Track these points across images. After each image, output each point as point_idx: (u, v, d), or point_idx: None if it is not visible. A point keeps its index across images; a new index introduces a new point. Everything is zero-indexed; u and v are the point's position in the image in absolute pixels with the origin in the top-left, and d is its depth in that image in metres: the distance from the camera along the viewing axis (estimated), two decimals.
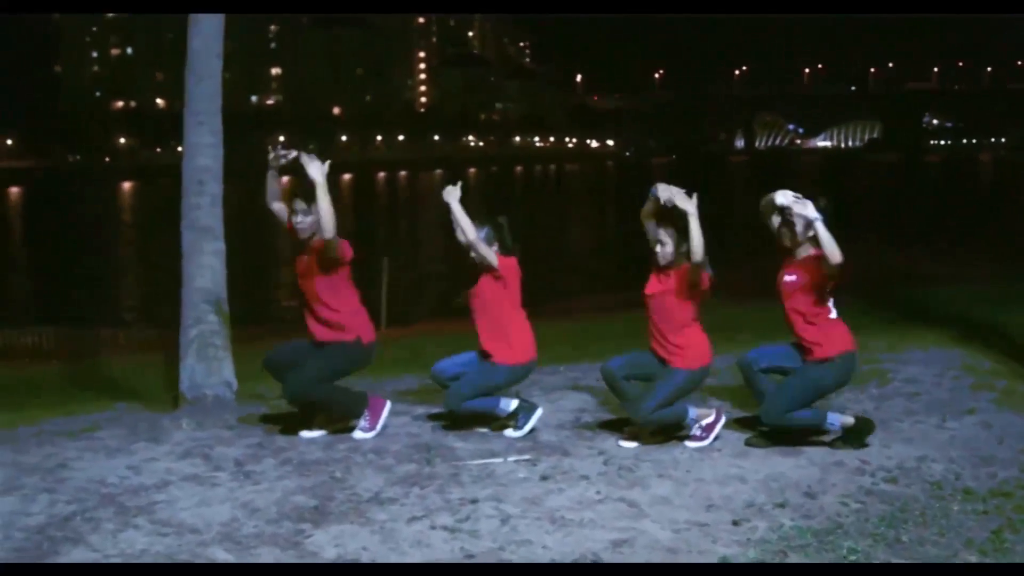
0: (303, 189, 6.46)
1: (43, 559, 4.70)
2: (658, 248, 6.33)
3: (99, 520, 5.19)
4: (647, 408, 6.24)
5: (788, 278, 6.22)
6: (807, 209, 5.97)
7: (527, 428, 6.66)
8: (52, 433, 7.00)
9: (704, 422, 6.41)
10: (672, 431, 6.45)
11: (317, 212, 6.36)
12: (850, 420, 6.27)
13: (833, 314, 6.24)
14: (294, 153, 6.53)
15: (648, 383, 6.41)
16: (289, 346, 6.88)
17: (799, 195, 6.11)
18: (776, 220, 6.31)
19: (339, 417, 6.73)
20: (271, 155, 6.59)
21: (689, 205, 6.14)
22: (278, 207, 6.77)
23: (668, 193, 6.21)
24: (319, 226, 6.41)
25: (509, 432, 6.67)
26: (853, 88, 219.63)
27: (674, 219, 6.29)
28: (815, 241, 6.00)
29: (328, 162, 6.38)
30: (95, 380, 10.43)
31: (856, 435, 6.23)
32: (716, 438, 6.39)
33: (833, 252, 5.88)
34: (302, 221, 6.55)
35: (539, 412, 6.74)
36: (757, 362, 6.36)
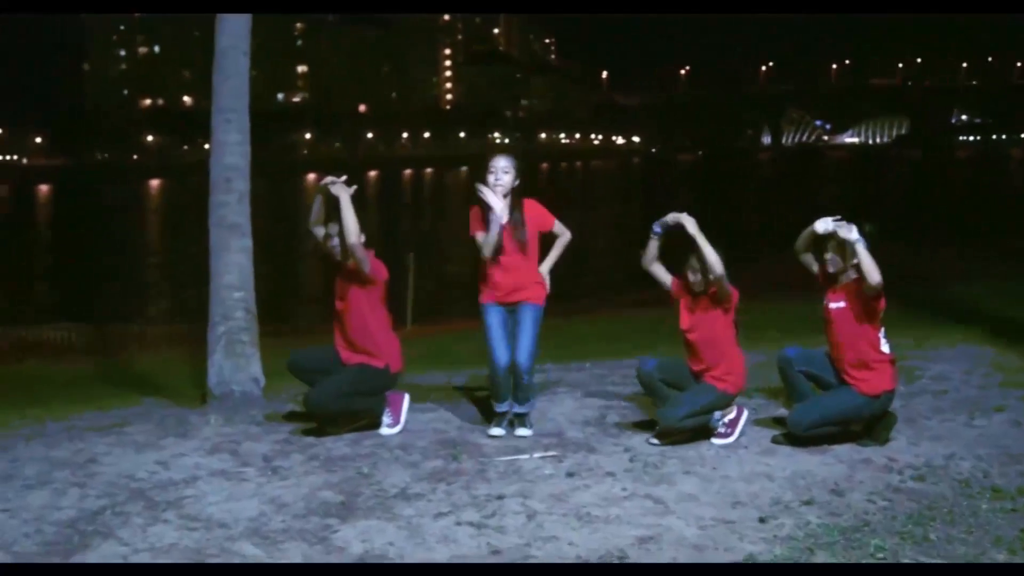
0: (336, 212, 6.54)
1: (73, 553, 4.75)
2: (690, 275, 6.34)
3: (128, 514, 5.23)
4: (676, 415, 6.24)
5: (835, 305, 6.20)
6: (851, 232, 5.97)
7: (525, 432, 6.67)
8: (82, 428, 7.06)
9: (727, 418, 6.41)
10: (698, 430, 6.45)
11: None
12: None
13: (886, 348, 6.24)
14: (344, 177, 6.60)
15: (679, 390, 6.45)
16: (315, 352, 6.91)
17: (839, 217, 6.10)
18: (807, 258, 6.35)
19: (362, 416, 6.77)
20: (323, 181, 6.64)
21: (692, 227, 6.20)
22: (320, 231, 6.82)
23: (675, 218, 6.29)
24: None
25: (494, 431, 6.67)
26: (881, 84, 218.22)
27: (682, 243, 6.35)
28: (858, 266, 6.02)
29: (354, 187, 6.51)
30: (124, 376, 10.52)
31: (881, 429, 6.22)
32: (741, 434, 6.39)
33: (872, 273, 5.91)
34: (337, 244, 6.63)
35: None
36: (796, 363, 6.35)
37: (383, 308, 6.74)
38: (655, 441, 6.35)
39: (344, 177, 6.59)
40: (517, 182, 6.56)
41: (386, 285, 6.72)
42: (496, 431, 6.62)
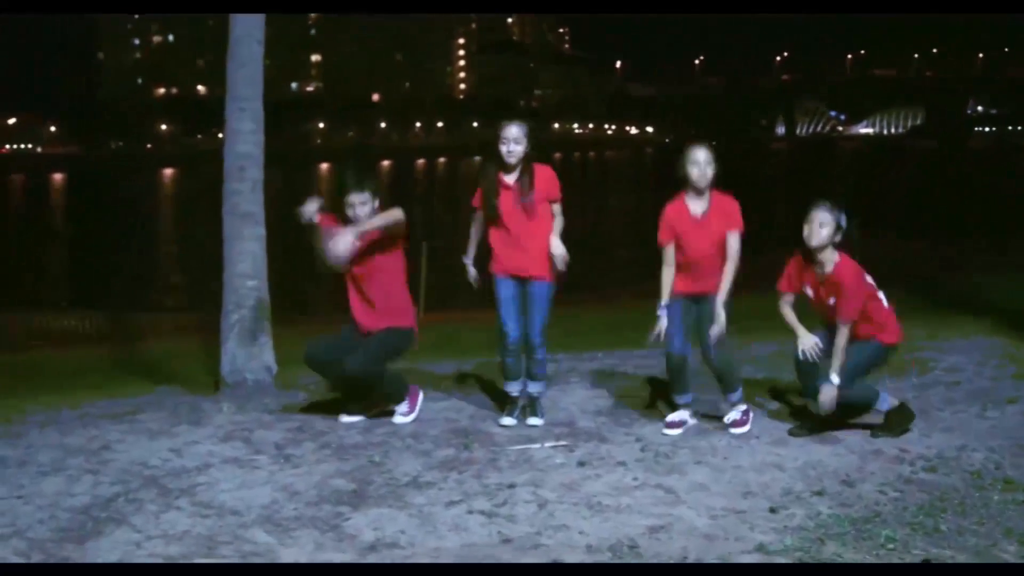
0: (356, 179, 6.57)
1: (86, 539, 4.78)
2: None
3: (142, 501, 5.26)
4: (715, 355, 6.34)
5: (832, 301, 6.15)
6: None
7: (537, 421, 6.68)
8: (95, 416, 7.10)
9: (742, 406, 6.42)
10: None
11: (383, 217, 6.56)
12: (895, 402, 6.28)
13: (885, 303, 6.26)
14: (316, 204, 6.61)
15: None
16: (329, 339, 6.90)
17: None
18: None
19: (379, 402, 6.78)
20: (304, 209, 6.60)
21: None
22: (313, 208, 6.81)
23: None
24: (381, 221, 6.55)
25: (506, 420, 6.65)
26: (896, 74, 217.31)
27: None
28: (836, 247, 6.10)
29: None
30: (137, 364, 10.56)
31: (897, 422, 6.20)
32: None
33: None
34: (360, 211, 6.60)
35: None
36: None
37: (404, 267, 6.77)
38: (669, 431, 6.33)
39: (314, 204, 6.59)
40: (529, 151, 6.52)
41: (407, 242, 6.76)
42: (507, 420, 6.63)
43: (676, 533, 4.75)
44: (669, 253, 6.40)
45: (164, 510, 5.14)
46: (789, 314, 6.32)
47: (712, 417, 6.57)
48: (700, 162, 6.27)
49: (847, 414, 6.27)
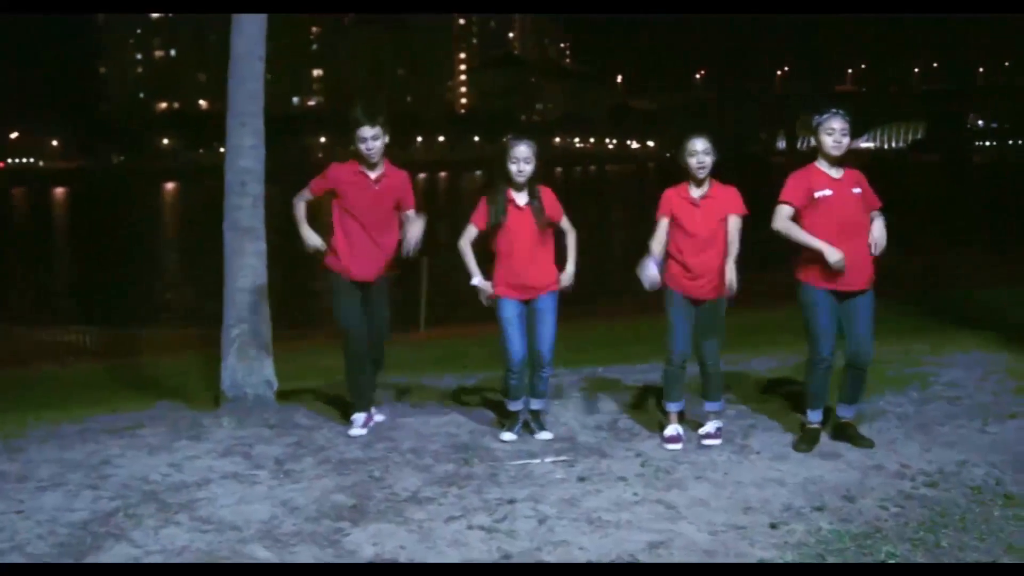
0: (368, 113, 6.69)
1: (86, 554, 4.77)
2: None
3: (141, 516, 5.25)
4: (711, 361, 6.53)
5: (856, 190, 6.13)
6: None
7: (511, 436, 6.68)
8: (96, 430, 7.09)
9: (719, 422, 6.54)
10: None
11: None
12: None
13: None
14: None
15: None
16: (357, 325, 6.92)
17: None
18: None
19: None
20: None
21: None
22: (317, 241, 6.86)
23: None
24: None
25: (506, 435, 6.65)
26: (896, 88, 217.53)
27: None
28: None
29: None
30: (138, 379, 10.56)
31: (858, 437, 6.28)
32: (747, 437, 6.41)
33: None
34: (372, 146, 6.65)
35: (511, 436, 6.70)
36: (833, 357, 6.31)
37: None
38: (670, 446, 6.33)
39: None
40: (537, 169, 6.53)
41: None
42: (508, 436, 6.61)
43: (676, 549, 4.74)
44: (662, 227, 6.43)
45: (163, 525, 5.13)
46: (796, 228, 6.16)
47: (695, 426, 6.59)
48: (699, 151, 6.30)
49: (855, 392, 6.33)
